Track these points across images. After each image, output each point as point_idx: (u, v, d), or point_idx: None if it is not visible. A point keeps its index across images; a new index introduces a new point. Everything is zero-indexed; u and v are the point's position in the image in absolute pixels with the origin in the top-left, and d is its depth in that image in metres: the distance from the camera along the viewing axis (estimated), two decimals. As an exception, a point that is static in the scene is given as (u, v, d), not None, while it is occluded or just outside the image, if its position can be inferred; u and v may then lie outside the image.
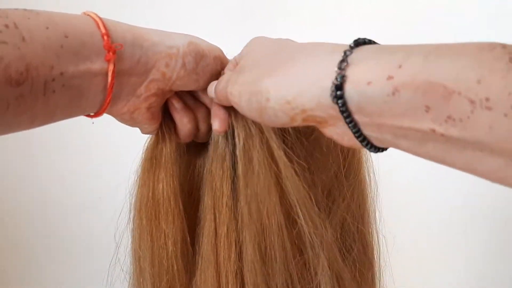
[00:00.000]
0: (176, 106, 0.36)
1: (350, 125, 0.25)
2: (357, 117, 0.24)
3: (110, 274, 0.86)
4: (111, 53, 0.28)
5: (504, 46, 0.20)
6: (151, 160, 0.38)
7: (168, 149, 0.37)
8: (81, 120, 0.88)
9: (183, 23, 0.84)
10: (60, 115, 0.30)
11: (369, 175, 0.43)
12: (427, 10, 0.79)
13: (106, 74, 0.29)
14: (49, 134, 0.84)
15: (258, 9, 0.82)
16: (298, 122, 0.27)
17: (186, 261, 0.38)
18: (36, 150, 0.87)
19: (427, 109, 0.21)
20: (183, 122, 0.37)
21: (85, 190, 0.86)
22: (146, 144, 0.40)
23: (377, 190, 0.44)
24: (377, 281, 0.43)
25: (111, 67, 0.29)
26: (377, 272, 0.43)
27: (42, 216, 0.90)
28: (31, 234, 0.91)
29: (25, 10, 0.26)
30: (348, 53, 0.24)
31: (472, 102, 0.20)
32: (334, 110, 0.25)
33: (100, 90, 0.30)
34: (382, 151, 0.27)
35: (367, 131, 0.25)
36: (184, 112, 0.37)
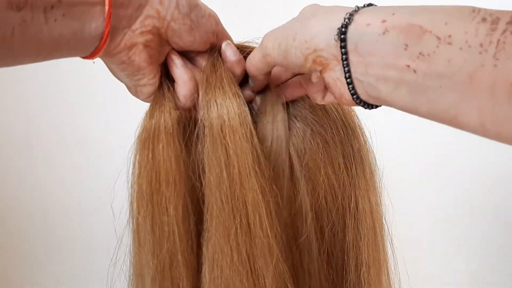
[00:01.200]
0: (176, 62, 0.36)
1: (344, 63, 0.30)
2: (351, 56, 0.30)
3: (110, 274, 0.86)
4: None
5: (473, 7, 0.25)
6: (150, 122, 0.36)
7: (168, 110, 0.36)
8: (82, 120, 0.88)
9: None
10: (65, 48, 0.30)
11: (371, 172, 0.43)
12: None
13: (103, 3, 0.30)
14: (49, 134, 0.84)
15: (256, 9, 0.83)
16: (309, 64, 0.32)
17: (187, 227, 0.36)
18: (36, 150, 0.88)
19: (406, 47, 0.27)
20: (184, 79, 0.36)
21: (85, 190, 0.86)
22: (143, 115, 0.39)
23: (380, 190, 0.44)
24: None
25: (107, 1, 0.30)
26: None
27: (42, 216, 0.90)
28: (31, 234, 0.91)
29: None
30: (359, 6, 0.31)
31: (438, 38, 0.25)
32: (336, 50, 0.30)
33: (100, 22, 0.30)
34: (365, 105, 0.32)
35: (356, 74, 0.30)
36: (184, 69, 0.37)
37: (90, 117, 0.82)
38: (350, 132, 0.41)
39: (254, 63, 0.37)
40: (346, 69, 0.30)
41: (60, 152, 0.87)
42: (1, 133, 0.85)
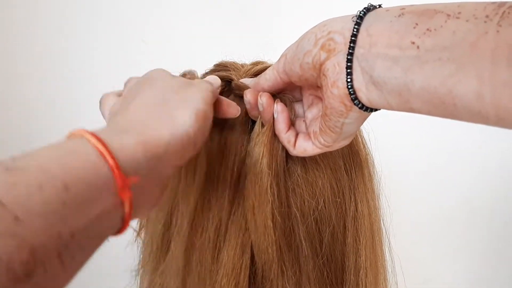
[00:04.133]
0: None
1: (352, 41, 0.30)
2: (360, 36, 0.30)
3: (111, 274, 0.87)
4: (127, 190, 0.23)
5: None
6: None
7: None
8: (82, 120, 0.88)
9: (181, 23, 0.84)
10: (80, 268, 0.23)
11: (370, 175, 0.43)
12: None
13: (122, 204, 0.24)
14: (50, 134, 0.84)
15: (254, 9, 0.83)
16: (317, 48, 0.32)
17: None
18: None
19: (415, 25, 0.27)
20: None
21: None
22: None
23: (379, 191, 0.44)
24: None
25: (127, 203, 0.23)
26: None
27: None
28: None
29: (6, 169, 0.20)
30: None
31: (448, 15, 0.26)
32: (348, 32, 0.31)
33: (118, 218, 0.24)
34: (352, 95, 0.31)
35: (358, 53, 0.30)
36: None
37: (90, 117, 0.82)
38: None
39: (264, 75, 0.37)
40: (351, 46, 0.30)
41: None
42: (1, 133, 0.85)
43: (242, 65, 0.43)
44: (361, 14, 0.31)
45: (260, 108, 0.37)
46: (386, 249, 0.44)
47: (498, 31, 0.24)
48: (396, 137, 0.79)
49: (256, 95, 0.37)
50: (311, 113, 0.37)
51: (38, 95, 0.86)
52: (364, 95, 0.31)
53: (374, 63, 0.29)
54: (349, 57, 0.30)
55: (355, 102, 0.31)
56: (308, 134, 0.36)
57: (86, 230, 0.22)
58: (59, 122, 0.83)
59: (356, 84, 0.31)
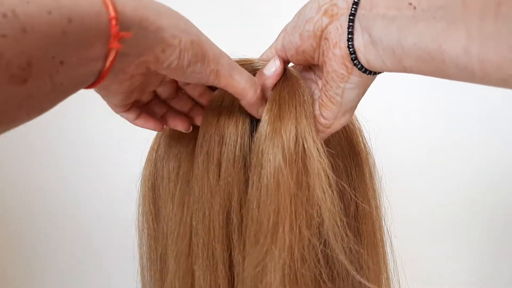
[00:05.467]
0: (158, 112, 0.38)
1: (354, 4, 0.32)
2: (362, 0, 0.31)
3: (111, 274, 0.87)
4: (117, 42, 0.26)
5: None
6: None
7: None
8: (83, 119, 0.88)
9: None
10: (62, 100, 0.28)
11: (370, 175, 0.43)
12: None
13: (106, 58, 0.27)
14: (50, 133, 0.84)
15: (254, 8, 0.83)
16: (319, 15, 0.33)
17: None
18: (36, 150, 0.88)
19: None
20: (174, 124, 0.39)
21: (86, 190, 0.86)
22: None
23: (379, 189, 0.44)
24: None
25: (112, 54, 0.27)
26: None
27: (43, 216, 0.90)
28: (32, 234, 0.91)
29: None
30: None
31: None
32: None
33: (97, 71, 0.28)
34: (352, 55, 0.32)
35: (359, 14, 0.31)
36: (170, 116, 0.39)
37: (91, 117, 0.82)
38: (350, 135, 0.41)
39: (264, 54, 0.39)
40: (353, 7, 0.32)
41: (61, 152, 0.87)
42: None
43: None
44: None
45: (271, 71, 0.38)
46: (388, 248, 0.44)
47: None
48: (397, 137, 0.79)
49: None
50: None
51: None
52: (362, 55, 0.32)
53: (373, 22, 0.30)
54: (351, 17, 0.32)
55: (355, 62, 0.32)
56: None
57: (74, 66, 0.25)
58: (60, 121, 0.83)
59: (356, 44, 0.32)
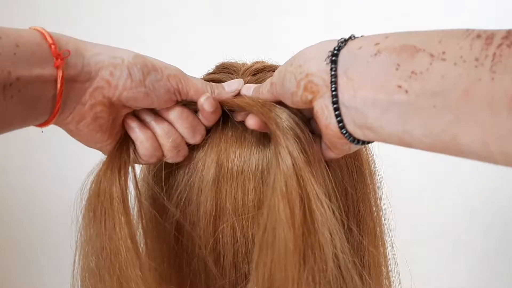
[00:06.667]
0: (132, 125, 0.36)
1: (333, 87, 0.29)
2: (340, 80, 0.29)
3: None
4: (59, 60, 0.31)
5: (468, 28, 0.25)
6: (99, 198, 0.35)
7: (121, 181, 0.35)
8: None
9: (181, 24, 0.84)
10: (17, 123, 0.32)
11: (371, 176, 0.43)
12: (427, 11, 0.79)
13: (56, 80, 0.31)
14: (50, 133, 0.84)
15: (255, 8, 0.82)
16: (300, 90, 0.31)
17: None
18: (36, 150, 0.87)
19: (397, 66, 0.26)
20: (141, 139, 0.36)
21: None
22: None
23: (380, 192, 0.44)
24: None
25: (60, 73, 0.31)
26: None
27: (43, 216, 0.90)
28: (32, 234, 0.91)
29: None
30: (355, 35, 0.31)
31: (432, 56, 0.25)
32: (326, 75, 0.30)
33: (51, 97, 0.31)
34: (350, 137, 0.31)
35: (343, 99, 0.29)
36: (140, 130, 0.36)
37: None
38: None
39: (262, 92, 0.36)
40: (333, 93, 0.29)
41: (61, 152, 0.87)
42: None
43: (243, 64, 0.43)
44: (333, 58, 0.29)
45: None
46: (389, 248, 0.44)
47: (493, 79, 0.22)
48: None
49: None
50: (314, 123, 0.37)
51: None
52: (361, 136, 0.30)
53: (365, 109, 0.28)
54: (335, 105, 0.29)
55: (354, 142, 0.31)
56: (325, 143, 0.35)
57: (28, 83, 0.30)
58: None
59: (350, 128, 0.30)
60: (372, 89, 0.27)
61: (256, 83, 0.40)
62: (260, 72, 0.42)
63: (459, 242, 0.90)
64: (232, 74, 0.42)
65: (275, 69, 0.42)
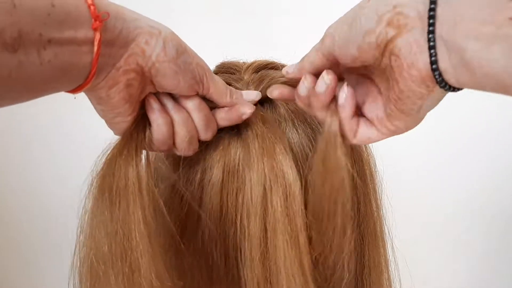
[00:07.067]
0: (153, 106, 0.36)
1: (431, 15, 0.26)
2: (440, 9, 0.26)
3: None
4: (97, 22, 0.30)
5: None
6: (114, 177, 0.34)
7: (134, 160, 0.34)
8: (83, 119, 0.88)
9: (181, 24, 0.84)
10: (53, 87, 0.31)
11: (372, 176, 0.43)
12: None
13: (92, 43, 0.30)
14: (50, 133, 0.84)
15: (254, 8, 0.82)
16: (381, 26, 0.28)
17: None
18: (36, 150, 0.87)
19: None
20: (158, 122, 0.35)
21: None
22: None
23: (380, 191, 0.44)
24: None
25: (97, 36, 0.30)
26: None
27: (43, 216, 0.90)
28: (32, 235, 0.91)
29: None
30: None
31: None
32: (423, 4, 0.27)
33: (88, 61, 0.30)
34: (439, 78, 0.27)
35: (441, 31, 0.26)
36: (160, 113, 0.36)
37: (91, 116, 0.82)
38: None
39: (309, 56, 0.34)
40: (431, 22, 0.26)
41: (61, 152, 0.87)
42: (1, 132, 0.85)
43: (244, 64, 0.43)
44: None
45: (322, 89, 0.33)
46: (389, 248, 0.44)
47: None
48: (397, 136, 0.79)
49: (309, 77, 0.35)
50: (360, 95, 0.34)
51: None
52: (452, 77, 0.27)
53: (464, 42, 0.25)
54: (430, 35, 0.26)
55: (441, 84, 0.28)
56: (369, 120, 0.34)
57: (61, 45, 0.28)
58: (60, 121, 0.83)
59: (442, 66, 0.27)
60: (478, 21, 0.24)
61: (259, 80, 0.40)
62: (263, 68, 0.42)
63: (459, 242, 0.90)
64: (233, 73, 0.42)
65: (277, 67, 0.42)
